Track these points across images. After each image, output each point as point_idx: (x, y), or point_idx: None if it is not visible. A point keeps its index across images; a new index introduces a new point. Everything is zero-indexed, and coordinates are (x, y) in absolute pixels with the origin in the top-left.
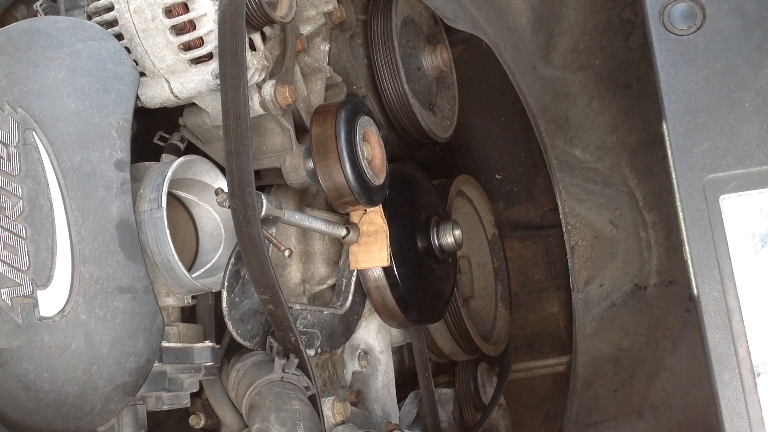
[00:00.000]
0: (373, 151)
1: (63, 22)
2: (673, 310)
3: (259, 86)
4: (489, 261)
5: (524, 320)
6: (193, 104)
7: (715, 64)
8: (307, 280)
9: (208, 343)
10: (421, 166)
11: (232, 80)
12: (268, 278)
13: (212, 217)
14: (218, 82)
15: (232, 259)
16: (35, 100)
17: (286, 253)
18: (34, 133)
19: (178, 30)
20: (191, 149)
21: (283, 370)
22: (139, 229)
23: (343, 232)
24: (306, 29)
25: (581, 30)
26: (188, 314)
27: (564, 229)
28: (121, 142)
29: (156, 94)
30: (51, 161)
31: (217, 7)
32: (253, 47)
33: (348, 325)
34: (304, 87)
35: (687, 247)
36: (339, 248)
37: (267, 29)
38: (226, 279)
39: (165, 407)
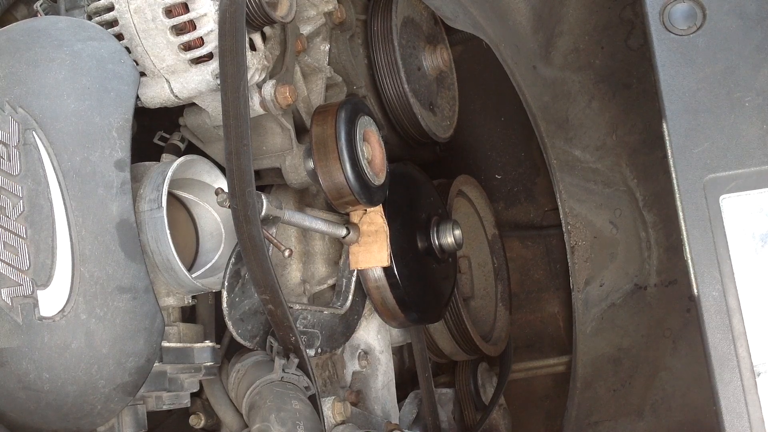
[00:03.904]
0: (373, 151)
1: (63, 22)
2: (673, 310)
3: (259, 86)
4: (489, 261)
5: (524, 320)
6: (193, 104)
7: (715, 64)
8: (307, 280)
9: (208, 343)
10: (421, 166)
11: (232, 80)
12: (268, 278)
13: (212, 217)
14: (218, 82)
15: (232, 259)
16: (35, 100)
17: (286, 253)
18: (34, 132)
19: (179, 30)
20: (191, 149)
21: (283, 370)
22: (140, 229)
23: (343, 232)
24: (306, 29)
25: (581, 30)
26: (188, 314)
27: (564, 229)
28: (122, 141)
29: (156, 94)
30: (51, 161)
31: (217, 7)
32: (253, 47)
33: (348, 325)
34: (304, 87)
35: (687, 247)
36: (339, 248)
37: (267, 29)
38: (226, 279)
39: (165, 407)
